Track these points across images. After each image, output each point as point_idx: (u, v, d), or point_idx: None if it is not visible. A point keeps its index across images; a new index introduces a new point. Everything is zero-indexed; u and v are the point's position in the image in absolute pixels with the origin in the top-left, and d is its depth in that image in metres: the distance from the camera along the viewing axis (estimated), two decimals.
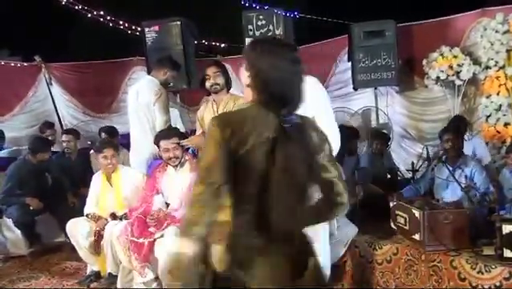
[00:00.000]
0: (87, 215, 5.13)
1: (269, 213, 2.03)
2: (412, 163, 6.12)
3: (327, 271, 4.10)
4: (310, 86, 4.04)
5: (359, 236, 4.72)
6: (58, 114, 9.42)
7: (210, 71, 4.64)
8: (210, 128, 2.09)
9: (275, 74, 2.11)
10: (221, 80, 4.62)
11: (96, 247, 4.99)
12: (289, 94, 2.13)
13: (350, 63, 7.73)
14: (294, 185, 2.07)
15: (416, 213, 4.25)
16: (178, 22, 7.25)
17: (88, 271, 5.20)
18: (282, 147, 2.03)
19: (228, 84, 4.71)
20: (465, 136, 6.08)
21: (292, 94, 2.13)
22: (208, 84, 4.65)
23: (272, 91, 2.11)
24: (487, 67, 6.94)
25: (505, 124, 6.87)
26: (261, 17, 6.97)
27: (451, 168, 4.85)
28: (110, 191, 5.16)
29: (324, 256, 4.03)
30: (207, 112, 4.72)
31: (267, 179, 2.03)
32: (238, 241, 2.09)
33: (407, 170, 6.84)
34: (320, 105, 3.83)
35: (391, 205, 4.72)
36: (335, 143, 3.97)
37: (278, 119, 2.08)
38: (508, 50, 6.86)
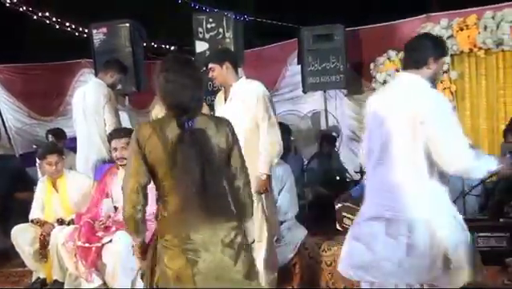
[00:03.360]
0: (31, 221, 5.00)
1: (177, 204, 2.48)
2: (360, 165, 6.22)
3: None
4: (252, 90, 4.10)
5: (308, 238, 4.76)
6: (2, 117, 9.17)
7: None
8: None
9: (168, 87, 2.53)
10: None
11: (42, 254, 4.85)
12: (184, 103, 2.51)
13: (299, 67, 7.79)
14: (192, 181, 2.42)
15: None
16: (127, 24, 7.14)
17: (34, 279, 5.05)
18: (180, 149, 2.43)
19: None
20: None
21: (187, 103, 2.51)
22: None
23: (169, 102, 2.54)
24: None
25: None
26: (210, 20, 6.96)
27: None
28: (56, 196, 5.03)
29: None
30: (162, 113, 4.60)
31: (170, 176, 2.46)
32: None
33: (355, 172, 6.95)
34: (259, 110, 3.92)
35: (336, 207, 4.77)
36: (274, 147, 4.02)
37: (178, 125, 2.47)
38: (452, 55, 7.06)
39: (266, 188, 4.05)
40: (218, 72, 4.12)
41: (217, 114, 4.14)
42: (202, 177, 2.43)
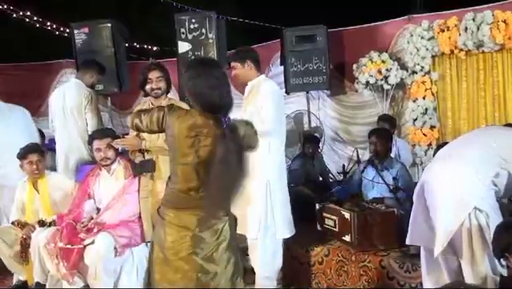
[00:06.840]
0: (12, 223, 4.94)
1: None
2: (343, 165, 6.24)
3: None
4: (260, 86, 4.21)
5: (291, 238, 4.76)
6: None
7: (153, 75, 4.48)
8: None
9: (198, 91, 2.82)
10: (162, 85, 4.50)
11: (23, 256, 4.79)
12: (215, 103, 2.80)
13: (282, 67, 7.79)
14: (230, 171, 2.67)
15: (346, 214, 4.33)
16: (109, 24, 7.10)
17: (15, 281, 4.99)
18: (222, 143, 2.68)
19: (168, 88, 4.60)
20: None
21: (218, 102, 2.80)
22: (148, 88, 4.51)
23: (202, 104, 2.82)
24: (414, 72, 7.18)
25: (431, 127, 7.13)
26: (193, 20, 6.94)
27: (378, 169, 4.96)
28: (37, 197, 4.97)
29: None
30: None
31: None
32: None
33: (338, 173, 6.96)
34: (261, 103, 4.14)
35: (316, 207, 4.78)
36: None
37: (215, 121, 2.78)
38: (433, 56, 7.13)
39: None
40: (240, 70, 4.28)
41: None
42: (238, 168, 2.69)
